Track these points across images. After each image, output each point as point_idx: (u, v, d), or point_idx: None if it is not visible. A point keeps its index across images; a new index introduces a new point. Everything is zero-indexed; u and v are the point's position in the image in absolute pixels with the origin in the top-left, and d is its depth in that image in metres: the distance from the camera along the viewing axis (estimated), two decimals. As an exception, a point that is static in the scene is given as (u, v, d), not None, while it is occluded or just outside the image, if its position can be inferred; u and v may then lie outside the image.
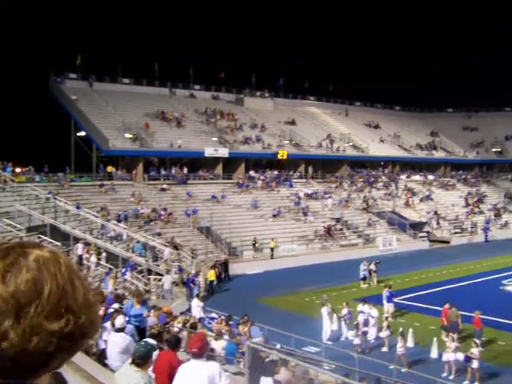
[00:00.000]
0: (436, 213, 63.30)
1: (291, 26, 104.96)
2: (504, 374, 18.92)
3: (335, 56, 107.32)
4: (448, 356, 19.27)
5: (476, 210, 68.12)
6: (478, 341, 19.76)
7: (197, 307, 25.21)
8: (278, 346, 17.31)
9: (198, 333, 12.42)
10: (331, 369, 16.27)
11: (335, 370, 16.00)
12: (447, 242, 57.84)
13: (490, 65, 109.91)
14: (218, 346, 15.26)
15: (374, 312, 24.01)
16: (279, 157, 61.78)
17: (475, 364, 18.42)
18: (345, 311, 23.96)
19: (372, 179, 68.82)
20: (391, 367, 19.03)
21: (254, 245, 44.88)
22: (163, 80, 70.12)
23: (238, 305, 28.33)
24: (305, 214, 52.79)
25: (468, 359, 18.57)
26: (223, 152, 57.87)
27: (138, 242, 37.66)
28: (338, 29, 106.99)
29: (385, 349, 22.13)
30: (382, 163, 75.62)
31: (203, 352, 6.27)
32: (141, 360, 6.27)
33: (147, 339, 8.65)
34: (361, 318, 23.41)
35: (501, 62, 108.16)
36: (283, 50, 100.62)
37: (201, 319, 21.59)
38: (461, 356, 18.92)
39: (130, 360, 6.56)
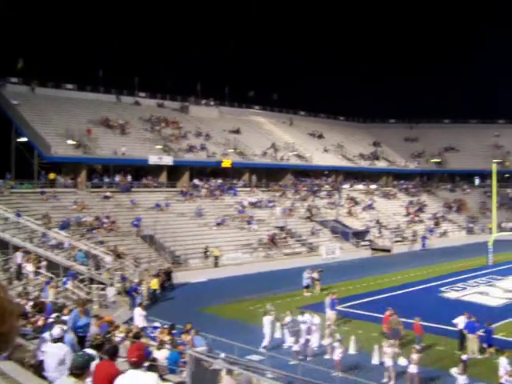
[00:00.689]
0: (378, 221, 64.37)
1: (244, 34, 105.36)
2: (442, 377, 19.29)
3: (282, 66, 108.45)
4: (387, 362, 19.58)
5: (416, 218, 69.61)
6: (417, 346, 20.16)
7: (139, 316, 24.95)
8: (223, 355, 17.28)
9: (137, 342, 12.31)
10: (274, 377, 16.32)
11: (278, 378, 16.08)
12: (388, 251, 58.80)
13: (434, 78, 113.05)
14: (161, 355, 15.14)
15: (316, 319, 24.17)
16: (224, 165, 61.81)
17: (414, 369, 18.77)
18: (288, 319, 24.03)
19: (315, 188, 69.53)
20: (334, 374, 19.20)
21: (205, 253, 44.74)
22: (108, 86, 69.46)
23: (182, 314, 28.23)
24: (249, 223, 52.92)
25: (408, 364, 18.94)
26: (167, 160, 57.53)
27: (80, 250, 36.99)
28: (290, 39, 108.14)
29: (327, 356, 22.28)
30: (326, 172, 76.51)
31: (142, 362, 6.21)
32: (78, 370, 6.15)
33: (86, 349, 8.53)
34: (303, 327, 23.55)
35: (444, 76, 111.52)
36: (230, 59, 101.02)
37: (143, 328, 21.38)
38: (403, 361, 19.22)
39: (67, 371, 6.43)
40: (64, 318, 14.07)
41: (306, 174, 74.99)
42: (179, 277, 40.50)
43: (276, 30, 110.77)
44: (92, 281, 33.06)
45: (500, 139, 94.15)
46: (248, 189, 63.59)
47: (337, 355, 20.48)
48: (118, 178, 54.71)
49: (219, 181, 62.51)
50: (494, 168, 51.49)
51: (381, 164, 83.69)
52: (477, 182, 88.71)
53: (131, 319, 26.06)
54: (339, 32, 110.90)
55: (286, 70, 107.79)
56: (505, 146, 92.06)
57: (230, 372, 12.57)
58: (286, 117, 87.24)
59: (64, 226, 41.30)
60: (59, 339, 10.00)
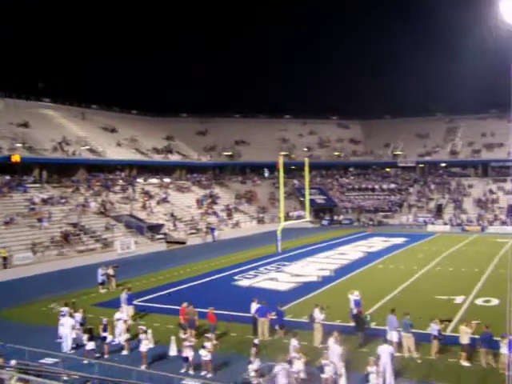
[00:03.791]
0: (172, 215, 65.26)
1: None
2: (237, 362, 20.14)
3: (69, 57, 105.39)
4: (185, 352, 20.14)
5: (210, 210, 71.58)
6: (209, 335, 20.97)
7: None
8: (14, 362, 16.67)
9: None
10: (70, 379, 16.17)
11: (73, 379, 15.96)
12: (183, 243, 59.90)
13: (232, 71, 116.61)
14: None
15: (118, 314, 24.08)
16: (12, 161, 58.91)
17: (208, 356, 19.56)
18: (78, 317, 23.71)
19: (109, 183, 68.74)
20: (131, 369, 19.30)
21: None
22: None
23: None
24: (40, 221, 51.02)
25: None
26: None
27: None
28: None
29: (125, 352, 22.31)
30: (119, 167, 75.88)
31: None
32: None
33: None
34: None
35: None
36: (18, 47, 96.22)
37: None
38: (200, 351, 19.82)
39: None
40: None
41: (100, 168, 73.76)
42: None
43: (59, 17, 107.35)
44: None
45: (286, 133, 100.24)
46: (38, 185, 61.17)
47: (143, 347, 20.70)
48: None
49: (7, 177, 59.40)
50: (281, 160, 54.45)
51: (174, 158, 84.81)
52: (266, 173, 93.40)
53: None
54: (131, 20, 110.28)
55: (77, 61, 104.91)
56: (290, 140, 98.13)
57: (21, 380, 12.16)
58: (77, 110, 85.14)
59: None
60: None
